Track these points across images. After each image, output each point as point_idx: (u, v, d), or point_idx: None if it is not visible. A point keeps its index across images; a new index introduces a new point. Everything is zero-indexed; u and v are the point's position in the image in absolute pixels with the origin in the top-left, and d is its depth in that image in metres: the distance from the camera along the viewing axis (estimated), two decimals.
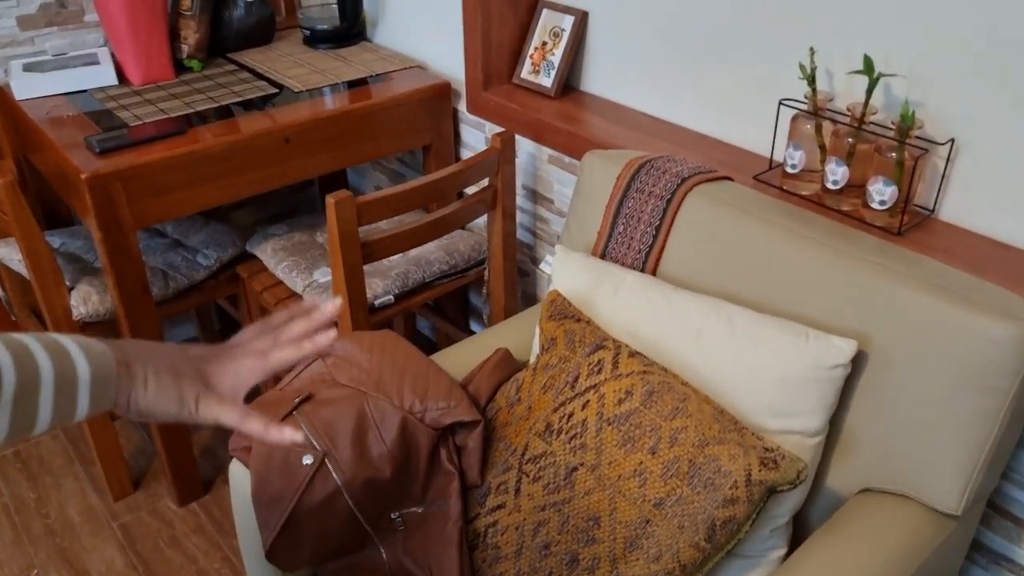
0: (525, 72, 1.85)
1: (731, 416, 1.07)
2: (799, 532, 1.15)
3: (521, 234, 1.95)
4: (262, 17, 2.06)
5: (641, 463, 1.04)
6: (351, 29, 2.09)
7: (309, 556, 1.16)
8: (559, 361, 1.19)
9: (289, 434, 0.75)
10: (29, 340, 0.65)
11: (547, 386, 1.19)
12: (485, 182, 1.73)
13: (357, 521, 1.16)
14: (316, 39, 2.09)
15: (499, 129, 1.86)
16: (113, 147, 1.56)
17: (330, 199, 1.44)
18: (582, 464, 1.09)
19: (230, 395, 0.75)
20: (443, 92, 1.91)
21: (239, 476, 1.20)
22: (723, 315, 1.15)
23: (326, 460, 1.14)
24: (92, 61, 1.88)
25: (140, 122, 1.67)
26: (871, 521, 1.06)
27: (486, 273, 1.87)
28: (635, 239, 1.34)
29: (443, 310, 2.16)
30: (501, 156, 1.69)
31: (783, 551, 1.11)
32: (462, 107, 1.95)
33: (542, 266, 1.44)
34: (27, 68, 1.84)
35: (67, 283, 1.69)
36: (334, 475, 1.13)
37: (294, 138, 1.71)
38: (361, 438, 1.16)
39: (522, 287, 2.02)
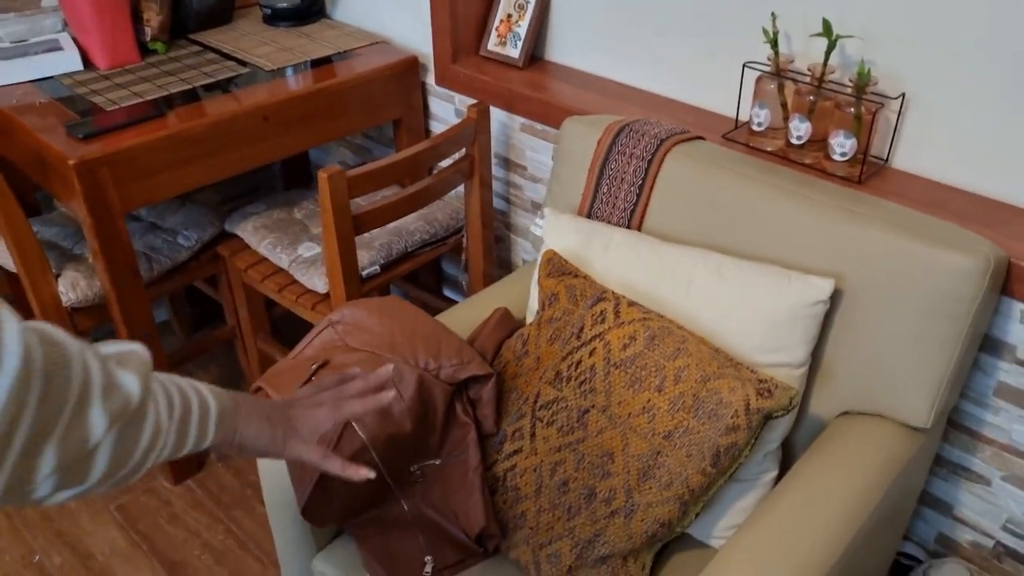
0: (492, 44, 1.91)
1: (726, 354, 1.18)
2: (787, 455, 1.28)
3: (495, 201, 2.03)
4: None
5: (649, 400, 1.14)
6: (311, 7, 2.11)
7: (339, 512, 1.23)
8: (563, 314, 1.28)
9: (364, 472, 0.90)
10: (176, 378, 0.77)
11: (553, 338, 1.27)
12: (461, 152, 1.79)
13: (381, 476, 1.24)
14: (276, 17, 2.10)
15: (469, 100, 1.92)
16: (96, 132, 1.57)
17: (322, 174, 1.49)
18: (593, 406, 1.18)
19: (311, 438, 0.89)
20: (411, 66, 1.96)
21: None
22: (711, 264, 1.25)
23: (351, 419, 1.20)
24: (54, 47, 1.87)
25: (116, 106, 1.68)
26: (852, 440, 1.18)
27: (464, 240, 1.94)
28: (619, 199, 1.43)
29: (416, 278, 2.22)
30: (477, 126, 1.76)
31: (775, 473, 1.23)
32: (430, 80, 2.00)
33: (532, 228, 1.51)
34: None
35: (53, 270, 1.69)
36: (359, 433, 1.20)
37: (272, 116, 1.74)
38: None
39: (497, 252, 2.09)
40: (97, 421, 0.62)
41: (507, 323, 1.42)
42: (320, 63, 1.91)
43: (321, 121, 1.83)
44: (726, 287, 1.22)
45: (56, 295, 1.68)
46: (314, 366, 1.27)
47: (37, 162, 1.65)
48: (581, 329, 1.23)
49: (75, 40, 1.89)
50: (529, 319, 1.43)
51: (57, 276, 1.70)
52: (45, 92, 1.76)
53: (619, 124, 1.47)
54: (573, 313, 1.26)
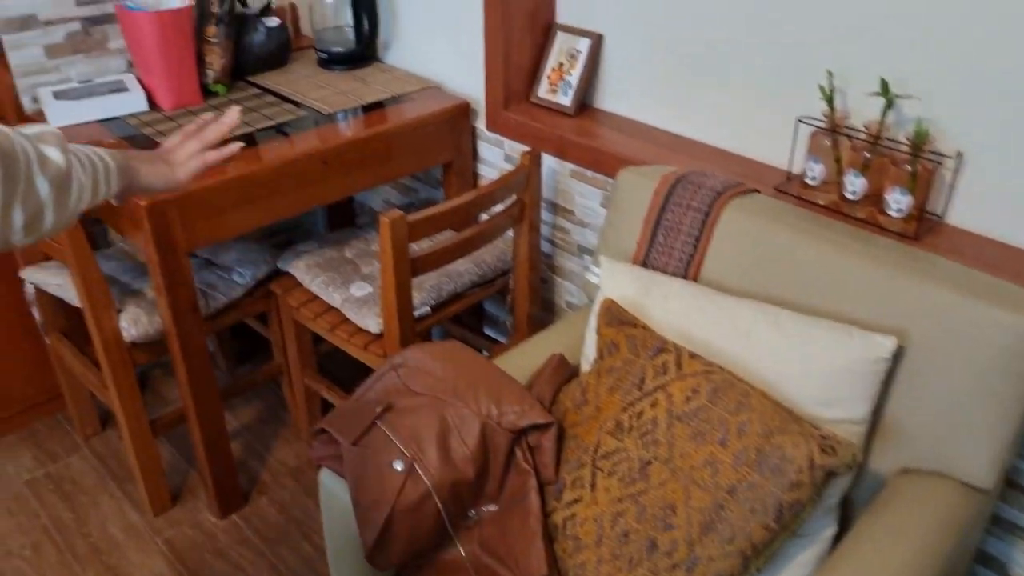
0: (543, 91, 1.95)
1: (787, 408, 1.19)
2: (847, 511, 1.28)
3: (541, 244, 2.06)
4: (281, 41, 2.13)
5: (712, 454, 1.16)
6: (365, 51, 2.17)
7: (401, 556, 1.25)
8: (623, 364, 1.30)
9: (233, 147, 1.25)
10: (83, 147, 1.00)
11: (614, 387, 1.29)
12: (512, 197, 1.83)
13: (442, 521, 1.25)
14: (331, 61, 2.16)
15: (518, 145, 1.96)
16: None
17: (384, 219, 1.53)
18: (655, 458, 1.20)
19: (189, 167, 1.20)
20: (462, 111, 2.00)
21: (330, 484, 1.28)
22: (770, 317, 1.27)
23: (415, 465, 1.23)
24: (120, 88, 1.93)
25: None
26: (913, 499, 1.19)
27: (510, 282, 1.97)
28: (676, 249, 1.46)
29: (459, 316, 2.25)
30: (529, 173, 1.79)
31: (834, 529, 1.23)
32: (480, 125, 2.05)
33: (588, 276, 1.54)
34: (57, 96, 1.87)
35: (115, 305, 1.73)
36: (424, 479, 1.22)
37: (330, 160, 1.78)
38: (445, 443, 1.25)
39: (540, 293, 2.12)
40: (43, 186, 0.86)
41: (564, 370, 1.44)
42: (374, 107, 1.96)
43: (375, 164, 1.88)
44: (786, 340, 1.24)
45: (118, 330, 1.72)
46: (378, 409, 1.30)
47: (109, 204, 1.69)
48: (643, 380, 1.25)
49: (140, 81, 1.95)
50: (585, 366, 1.45)
51: (119, 312, 1.74)
52: (113, 131, 1.82)
53: (675, 175, 1.50)
54: (634, 363, 1.28)
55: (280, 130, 1.83)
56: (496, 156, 2.06)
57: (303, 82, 2.09)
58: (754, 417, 1.16)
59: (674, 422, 1.20)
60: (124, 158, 1.07)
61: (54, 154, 0.90)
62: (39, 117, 1.87)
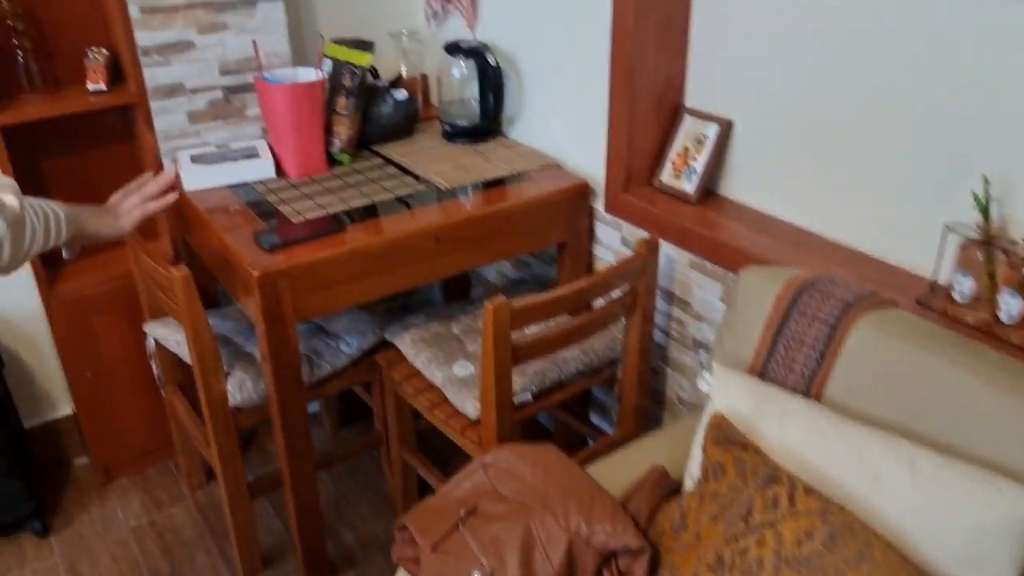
0: (665, 176, 1.88)
1: (917, 565, 1.05)
2: None
3: (654, 333, 1.96)
4: (408, 113, 2.16)
5: None
6: (489, 126, 2.17)
7: None
8: (729, 491, 1.18)
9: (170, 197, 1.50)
10: (37, 200, 1.18)
11: (717, 516, 1.18)
12: (626, 285, 1.75)
13: None
14: (455, 134, 2.17)
15: (636, 229, 1.89)
16: (281, 244, 1.64)
17: (488, 305, 1.48)
18: None
19: (130, 218, 1.42)
20: (582, 192, 1.95)
21: None
22: (903, 456, 1.13)
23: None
24: (252, 154, 2.00)
25: (301, 218, 1.76)
26: None
27: (618, 372, 1.88)
28: (797, 362, 1.34)
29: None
30: (645, 262, 1.71)
31: None
32: (598, 205, 1.99)
33: (699, 382, 1.44)
34: (194, 159, 1.96)
35: (224, 368, 1.77)
36: None
37: (443, 237, 1.77)
38: (527, 557, 1.17)
39: (651, 384, 2.02)
40: (0, 227, 1.05)
41: (664, 484, 1.34)
42: (493, 184, 1.94)
43: (490, 242, 1.85)
44: (921, 486, 1.09)
45: (224, 393, 1.74)
46: (462, 511, 1.23)
47: (222, 262, 1.74)
48: (749, 512, 1.13)
49: (271, 148, 2.02)
50: (688, 483, 1.34)
51: (227, 375, 1.77)
52: (239, 196, 1.88)
53: (802, 280, 1.38)
54: (741, 491, 1.17)
55: (397, 204, 1.84)
56: (613, 238, 1.99)
57: (425, 154, 2.10)
58: (876, 573, 1.02)
59: (782, 566, 1.07)
60: (73, 211, 1.26)
61: (11, 200, 1.10)
62: (176, 179, 1.96)
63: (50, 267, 2.07)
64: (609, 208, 1.94)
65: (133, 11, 1.86)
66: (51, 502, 2.23)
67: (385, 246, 1.70)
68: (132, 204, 1.40)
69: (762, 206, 1.76)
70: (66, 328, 2.05)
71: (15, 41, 1.84)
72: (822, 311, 1.32)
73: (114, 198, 1.39)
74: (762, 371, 1.38)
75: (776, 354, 1.37)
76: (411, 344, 1.89)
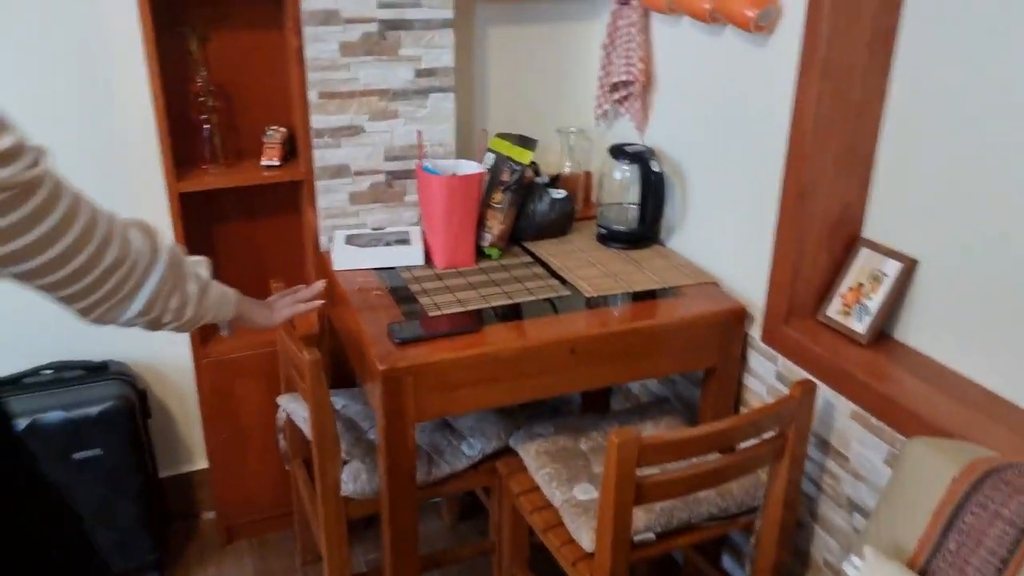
0: (833, 311, 1.70)
1: None
2: None
3: (803, 483, 1.75)
4: (564, 212, 2.10)
5: None
6: (647, 232, 2.07)
7: None
8: None
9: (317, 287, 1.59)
10: (218, 285, 1.32)
11: None
12: (776, 427, 1.57)
13: None
14: (610, 237, 2.09)
15: (793, 366, 1.71)
16: (412, 339, 1.61)
17: (614, 439, 1.36)
18: None
19: (280, 315, 1.51)
20: (738, 316, 1.80)
21: None
22: None
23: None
24: (403, 239, 2.01)
25: (438, 312, 1.72)
26: None
27: (758, 521, 1.68)
28: (971, 565, 1.12)
29: None
30: (799, 406, 1.54)
31: None
32: (754, 333, 1.83)
33: (845, 566, 1.24)
34: (349, 240, 1.99)
35: (343, 455, 1.74)
36: None
37: (579, 349, 1.67)
38: None
39: (794, 539, 1.80)
40: (192, 287, 1.22)
41: None
42: (642, 296, 1.84)
43: (631, 359, 1.73)
44: None
45: (338, 481, 1.71)
46: None
47: (355, 345, 1.73)
48: None
49: (423, 235, 2.02)
50: None
51: (345, 462, 1.74)
52: (384, 280, 1.88)
53: (987, 465, 1.17)
54: None
55: (538, 308, 1.77)
56: (767, 371, 1.81)
57: (576, 256, 2.03)
58: None
59: None
60: (239, 295, 1.38)
61: (204, 272, 1.27)
62: (327, 256, 2.00)
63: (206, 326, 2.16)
64: (766, 338, 1.78)
65: (312, 95, 1.93)
66: (173, 553, 2.28)
67: (518, 353, 1.63)
68: (285, 303, 1.53)
69: (945, 359, 1.54)
70: (210, 386, 2.12)
71: (205, 116, 1.96)
72: (1008, 508, 1.11)
73: (272, 297, 1.55)
74: (925, 567, 1.17)
75: (945, 550, 1.15)
76: (535, 456, 1.79)
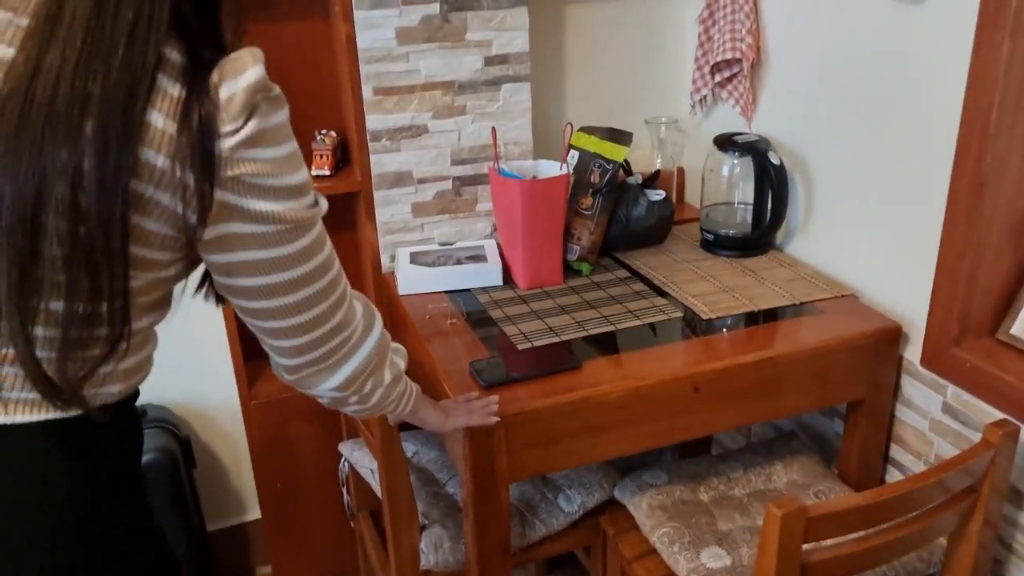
0: (1019, 329, 1.36)
1: None
2: None
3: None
4: (662, 216, 1.79)
5: None
6: (761, 237, 1.75)
7: None
8: None
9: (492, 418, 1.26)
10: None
11: None
12: (964, 482, 1.24)
13: None
14: (718, 244, 1.77)
15: (969, 397, 1.38)
16: (500, 381, 1.32)
17: (775, 511, 1.05)
18: None
19: (454, 421, 1.24)
20: (890, 336, 1.48)
21: None
22: None
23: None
24: (478, 255, 1.72)
25: (528, 344, 1.43)
26: None
27: None
28: None
29: None
30: (997, 454, 1.21)
31: None
32: (911, 356, 1.50)
33: None
34: (413, 259, 1.71)
35: (420, 518, 1.46)
36: None
37: (704, 387, 1.36)
38: None
39: None
40: (387, 375, 1.07)
41: None
42: (770, 315, 1.52)
43: (764, 395, 1.42)
44: None
45: (416, 551, 1.43)
46: None
47: (429, 384, 1.44)
48: None
49: (499, 249, 1.73)
50: None
51: (423, 528, 1.46)
52: (459, 306, 1.60)
53: None
54: None
55: (646, 334, 1.46)
56: (930, 402, 1.48)
57: (680, 268, 1.72)
58: None
59: None
60: (420, 393, 1.20)
61: (401, 362, 1.12)
62: (390, 278, 1.72)
63: (251, 360, 1.90)
64: (929, 363, 1.45)
65: (367, 91, 1.66)
66: None
67: (631, 394, 1.32)
68: (460, 411, 1.26)
69: None
70: (261, 430, 1.86)
71: None
72: None
73: (446, 401, 1.29)
74: None
75: None
76: (648, 512, 1.48)
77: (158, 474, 1.73)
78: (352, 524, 1.84)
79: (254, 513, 2.11)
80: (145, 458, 1.69)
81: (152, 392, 1.92)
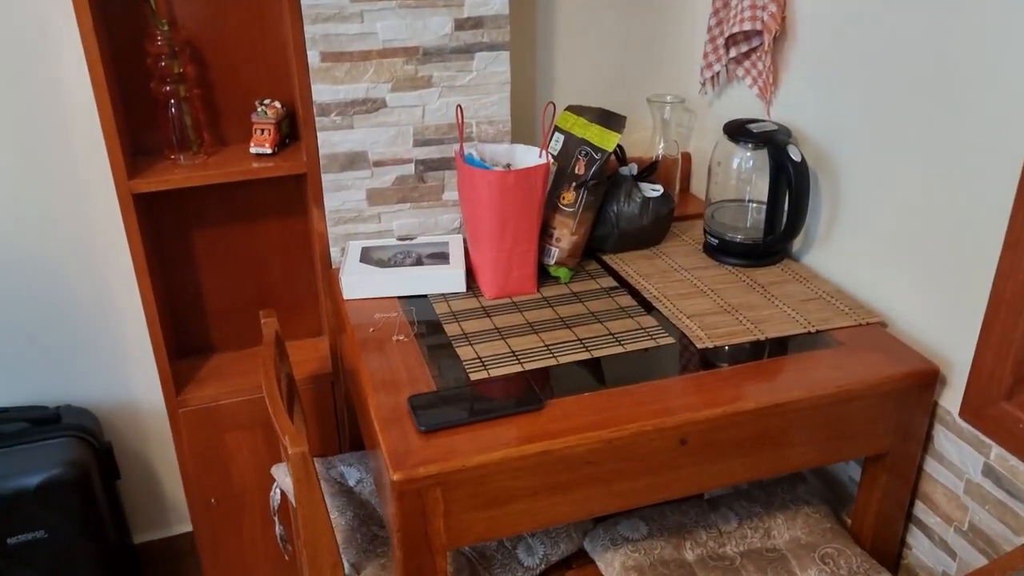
0: None
1: None
2: None
3: None
4: (659, 216, 1.53)
5: None
6: (774, 244, 1.49)
7: None
8: None
9: None
10: None
11: None
12: None
13: None
14: (724, 251, 1.51)
15: (1012, 459, 1.13)
16: (444, 424, 1.07)
17: None
18: None
19: None
20: (925, 379, 1.22)
21: None
22: None
23: None
24: (440, 254, 1.47)
25: (484, 373, 1.19)
26: None
27: None
28: None
29: None
30: None
31: None
32: (948, 404, 1.24)
33: None
34: (364, 256, 1.46)
35: (347, 570, 1.23)
36: None
37: (694, 438, 1.12)
38: None
39: None
40: None
41: None
42: (776, 347, 1.26)
43: (762, 450, 1.17)
44: None
45: None
46: None
47: (364, 411, 1.21)
48: None
49: (465, 247, 1.48)
50: None
51: None
52: (410, 314, 1.35)
53: None
54: None
55: (629, 363, 1.21)
56: (968, 461, 1.23)
57: (676, 277, 1.46)
58: None
59: None
60: None
61: None
62: (335, 274, 1.48)
63: (182, 358, 1.67)
64: (971, 415, 1.19)
65: (312, 57, 1.39)
66: None
67: (602, 447, 1.08)
68: None
69: None
70: (192, 439, 1.63)
71: (170, 86, 1.44)
72: None
73: None
74: None
75: None
76: (622, 573, 1.25)
77: (66, 493, 1.51)
78: (285, 556, 1.61)
79: (185, 526, 1.90)
80: (50, 475, 1.49)
81: (74, 393, 1.69)
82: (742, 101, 1.62)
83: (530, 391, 1.14)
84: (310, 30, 1.38)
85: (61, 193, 1.54)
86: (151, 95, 1.46)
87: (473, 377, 1.18)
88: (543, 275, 1.46)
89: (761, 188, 1.48)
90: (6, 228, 1.54)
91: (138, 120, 1.49)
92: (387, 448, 1.04)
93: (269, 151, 1.50)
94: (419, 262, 1.45)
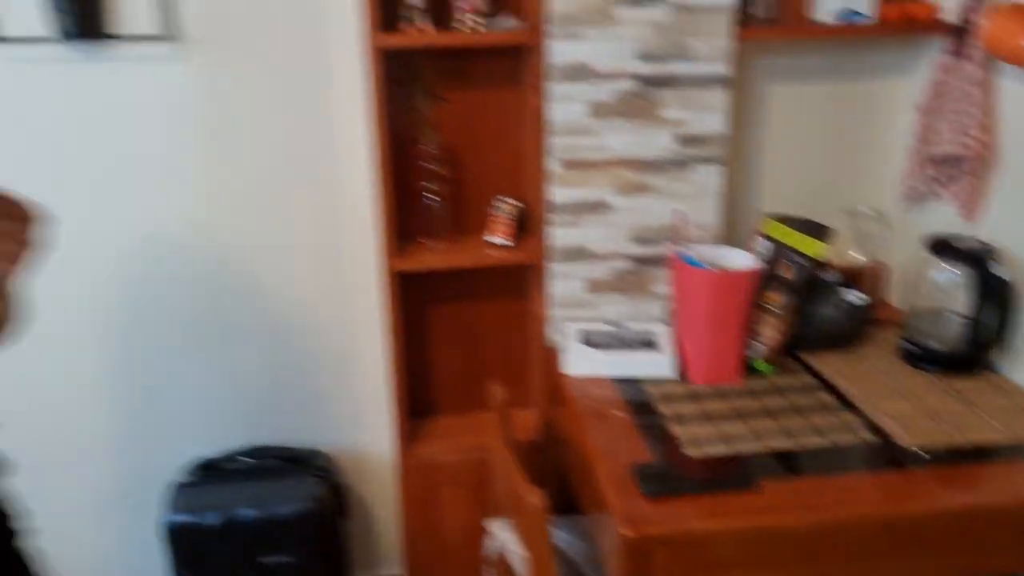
0: None
1: None
2: None
3: None
4: (858, 321, 1.64)
5: None
6: (974, 354, 1.55)
7: None
8: None
9: None
10: None
11: None
12: None
13: None
14: (923, 358, 1.59)
15: None
16: (668, 492, 1.22)
17: None
18: None
19: None
20: None
21: None
22: None
23: None
24: (649, 342, 1.63)
25: (700, 452, 1.32)
26: None
27: None
28: None
29: None
30: None
31: None
32: None
33: None
34: (584, 339, 1.65)
35: None
36: None
37: (899, 530, 1.20)
38: None
39: None
40: None
41: None
42: (978, 453, 1.33)
43: (961, 552, 1.23)
44: None
45: None
46: None
47: (585, 476, 1.37)
48: None
49: (674, 338, 1.64)
50: None
51: None
52: (623, 394, 1.51)
53: None
54: None
55: (834, 457, 1.31)
56: None
57: (875, 380, 1.55)
58: None
59: None
60: None
61: None
62: (554, 351, 1.66)
63: (414, 417, 1.90)
64: None
65: (553, 164, 1.62)
66: None
67: (813, 528, 1.18)
68: None
69: None
70: (414, 490, 1.84)
71: (430, 185, 1.71)
72: None
73: None
74: None
75: None
76: None
77: (312, 526, 1.75)
78: None
79: (395, 568, 2.10)
80: (300, 507, 1.73)
81: (314, 436, 1.95)
82: (941, 216, 1.71)
83: (743, 471, 1.27)
84: (553, 142, 1.61)
85: (331, 269, 1.83)
86: (410, 190, 1.73)
87: (688, 453, 1.32)
88: (747, 368, 1.59)
89: (962, 299, 1.55)
90: (292, 298, 1.84)
91: (399, 209, 1.77)
92: (618, 508, 1.20)
93: (511, 243, 1.73)
94: (631, 347, 1.62)
